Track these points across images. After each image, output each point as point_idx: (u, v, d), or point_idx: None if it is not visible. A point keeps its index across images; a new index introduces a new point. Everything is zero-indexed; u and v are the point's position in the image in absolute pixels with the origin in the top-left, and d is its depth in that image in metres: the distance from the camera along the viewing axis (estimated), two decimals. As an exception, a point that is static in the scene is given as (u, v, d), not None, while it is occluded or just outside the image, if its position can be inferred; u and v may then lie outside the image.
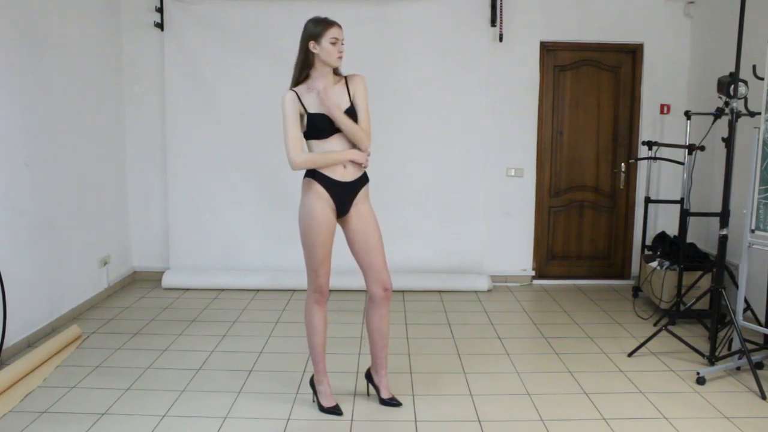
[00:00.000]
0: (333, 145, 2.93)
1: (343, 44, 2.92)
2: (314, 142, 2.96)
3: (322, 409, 3.12)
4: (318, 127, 2.90)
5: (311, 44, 2.89)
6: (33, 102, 4.10)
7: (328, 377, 3.17)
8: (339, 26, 2.92)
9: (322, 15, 2.95)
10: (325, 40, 2.87)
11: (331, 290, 5.15)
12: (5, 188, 3.83)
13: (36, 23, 4.13)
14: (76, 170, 4.64)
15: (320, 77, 2.93)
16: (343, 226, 3.04)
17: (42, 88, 4.20)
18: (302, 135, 2.95)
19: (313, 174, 2.95)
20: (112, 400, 3.24)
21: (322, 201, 2.93)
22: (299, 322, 4.50)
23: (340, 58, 2.92)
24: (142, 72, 5.43)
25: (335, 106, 2.87)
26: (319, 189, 2.93)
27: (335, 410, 3.09)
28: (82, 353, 3.90)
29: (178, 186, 5.47)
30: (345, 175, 2.96)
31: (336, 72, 3.00)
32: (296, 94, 2.92)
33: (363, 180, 3.03)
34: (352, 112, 2.95)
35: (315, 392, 3.18)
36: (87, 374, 3.57)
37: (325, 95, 2.87)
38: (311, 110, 2.90)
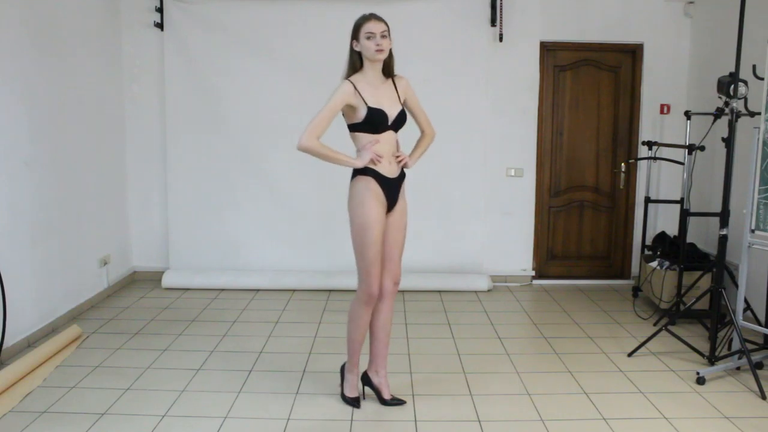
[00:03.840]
0: (383, 139, 2.96)
1: (384, 37, 2.89)
2: (364, 135, 2.95)
3: (345, 398, 3.20)
4: (375, 121, 2.93)
5: (353, 43, 2.93)
6: (33, 102, 4.09)
7: (358, 368, 3.22)
8: (376, 19, 2.89)
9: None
10: (362, 36, 2.88)
11: (331, 290, 5.26)
12: (5, 188, 3.82)
13: (35, 23, 4.12)
14: (76, 170, 4.64)
15: (370, 76, 2.95)
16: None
17: (42, 87, 4.20)
18: (328, 126, 2.89)
19: (367, 171, 2.95)
20: (112, 400, 3.24)
21: (376, 199, 2.95)
22: (299, 322, 4.51)
23: (379, 51, 2.88)
24: (142, 72, 5.43)
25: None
26: (374, 186, 2.95)
27: (356, 402, 3.17)
28: (82, 353, 3.90)
29: (178, 186, 5.47)
30: (391, 171, 3.01)
31: (384, 73, 3.01)
32: (355, 87, 2.89)
33: (402, 176, 3.10)
34: (402, 113, 3.01)
35: (343, 380, 3.24)
36: (87, 374, 3.57)
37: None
38: (371, 104, 2.91)
